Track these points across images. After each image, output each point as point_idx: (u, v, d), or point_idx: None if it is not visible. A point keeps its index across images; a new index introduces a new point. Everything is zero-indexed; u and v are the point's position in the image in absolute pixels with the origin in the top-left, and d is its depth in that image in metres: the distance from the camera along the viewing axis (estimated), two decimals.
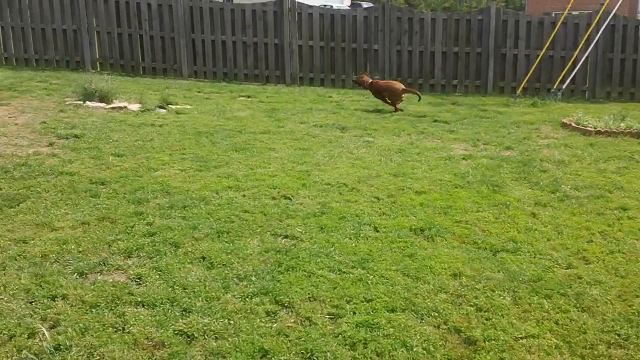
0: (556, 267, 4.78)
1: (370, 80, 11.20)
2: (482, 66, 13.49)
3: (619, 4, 13.17)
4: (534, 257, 4.90)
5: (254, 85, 13.39)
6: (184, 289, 4.01)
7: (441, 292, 4.20)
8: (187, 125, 8.67)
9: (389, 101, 10.82)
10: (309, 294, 4.00)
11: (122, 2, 13.60)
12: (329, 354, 3.39)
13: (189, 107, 10.13)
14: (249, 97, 11.64)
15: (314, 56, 13.71)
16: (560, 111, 11.29)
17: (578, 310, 4.16)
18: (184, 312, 3.72)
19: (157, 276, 4.17)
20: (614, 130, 9.19)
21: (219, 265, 4.35)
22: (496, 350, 3.60)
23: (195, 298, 3.89)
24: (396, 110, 10.67)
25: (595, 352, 3.70)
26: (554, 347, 3.71)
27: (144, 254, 4.48)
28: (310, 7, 13.75)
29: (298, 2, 13.63)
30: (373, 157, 7.52)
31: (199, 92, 11.89)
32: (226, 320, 3.67)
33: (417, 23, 13.38)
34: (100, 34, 13.75)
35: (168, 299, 3.86)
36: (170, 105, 9.88)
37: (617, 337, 3.90)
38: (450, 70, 13.56)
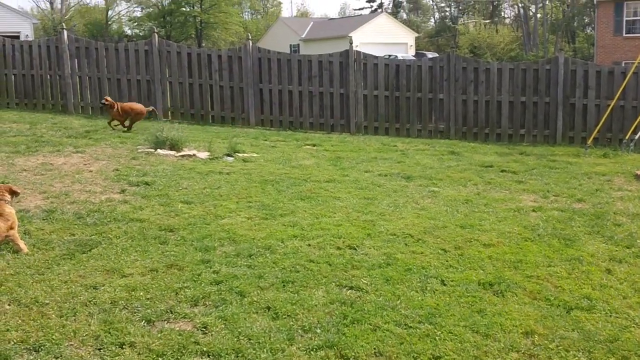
0: (633, 326, 4.57)
1: (115, 103, 11.83)
2: (550, 116, 13.25)
3: None
4: (610, 316, 4.69)
5: (319, 133, 13.55)
6: (249, 339, 3.97)
7: (512, 350, 4.03)
8: (253, 173, 8.77)
9: (128, 123, 11.87)
10: (374, 348, 3.90)
11: (194, 54, 14.20)
12: None
13: (255, 155, 10.31)
14: (314, 145, 11.80)
15: (379, 105, 13.80)
16: (633, 162, 11.00)
17: None
18: None
19: (223, 325, 4.15)
20: None
21: (283, 316, 4.30)
22: None
23: (260, 349, 3.85)
24: (130, 129, 11.78)
25: None
26: None
27: (210, 303, 4.48)
28: (376, 57, 13.92)
29: (363, 53, 13.87)
30: (439, 208, 7.39)
31: (265, 140, 12.13)
32: None
33: (482, 73, 13.36)
34: (172, 84, 14.31)
35: (233, 350, 3.83)
36: (237, 154, 10.06)
37: None
38: (517, 119, 13.38)
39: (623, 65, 15.07)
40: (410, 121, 13.71)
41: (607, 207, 7.74)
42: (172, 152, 9.77)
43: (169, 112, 14.34)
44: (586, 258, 5.82)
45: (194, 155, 9.77)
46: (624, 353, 4.14)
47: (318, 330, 4.09)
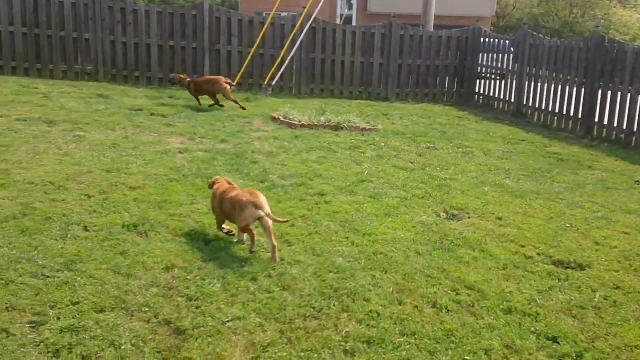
0: (262, 251, 4.81)
1: (189, 79, 11.28)
2: (198, 61, 13.68)
3: (319, 8, 14.12)
4: (243, 244, 4.91)
5: None
6: None
7: (153, 286, 4.12)
8: None
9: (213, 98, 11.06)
10: (6, 303, 3.76)
11: None
12: None
13: None
14: None
15: (16, 43, 12.74)
16: (270, 106, 11.85)
17: (280, 290, 4.21)
18: None
19: None
20: (316, 123, 10.00)
21: None
22: (204, 336, 3.58)
23: None
24: (220, 105, 11.00)
25: (294, 326, 3.76)
26: (257, 325, 3.74)
27: None
28: None
29: None
30: (84, 153, 7.25)
31: None
32: None
33: (130, 14, 13.21)
34: None
35: None
36: None
37: (312, 310, 3.98)
38: (167, 63, 13.54)
39: (264, 15, 15.52)
40: (54, 62, 13.07)
41: (246, 146, 8.30)
42: None
43: None
44: None
45: None
46: (253, 275, 4.39)
47: None
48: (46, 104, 9.91)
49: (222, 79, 11.23)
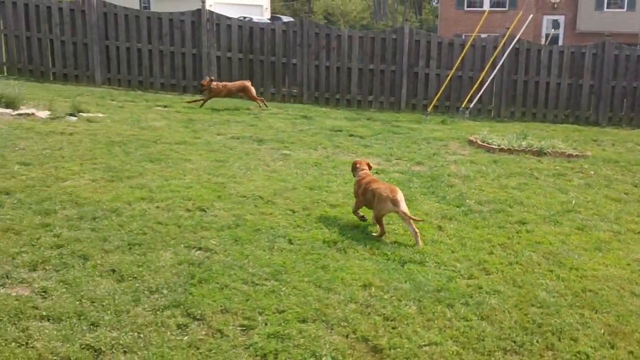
0: (459, 277, 4.74)
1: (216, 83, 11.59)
2: (396, 83, 13.74)
3: (523, 28, 13.70)
4: (439, 268, 4.86)
5: (170, 95, 13.12)
6: (92, 302, 3.96)
7: (351, 302, 4.25)
8: (99, 134, 8.43)
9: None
10: (221, 306, 4.02)
11: (31, 5, 13.33)
12: None
13: (101, 115, 9.81)
14: (165, 106, 11.39)
15: (233, 67, 13.69)
16: (467, 129, 11.50)
17: (478, 319, 4.13)
18: (91, 326, 3.70)
19: (64, 290, 4.10)
20: (516, 148, 9.51)
21: (129, 278, 4.29)
22: (401, 357, 3.67)
23: (103, 311, 3.86)
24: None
25: (493, 358, 3.68)
26: (454, 354, 3.73)
27: (50, 267, 4.39)
28: (229, 18, 13.75)
29: (216, 13, 13.70)
30: (289, 170, 7.50)
31: (113, 100, 11.57)
32: (136, 333, 3.65)
33: (334, 39, 13.60)
34: (8, 37, 13.43)
35: (75, 313, 3.81)
36: (81, 113, 9.51)
37: (513, 343, 3.85)
38: (366, 86, 13.78)
39: (463, 37, 15.11)
40: (264, 84, 13.67)
41: (442, 169, 7.99)
42: (8, 111, 9.11)
43: (5, 67, 13.56)
44: (421, 216, 5.92)
45: (33, 114, 9.19)
46: (449, 301, 4.34)
47: (165, 291, 4.14)
48: (256, 124, 10.52)
49: (248, 82, 11.85)
